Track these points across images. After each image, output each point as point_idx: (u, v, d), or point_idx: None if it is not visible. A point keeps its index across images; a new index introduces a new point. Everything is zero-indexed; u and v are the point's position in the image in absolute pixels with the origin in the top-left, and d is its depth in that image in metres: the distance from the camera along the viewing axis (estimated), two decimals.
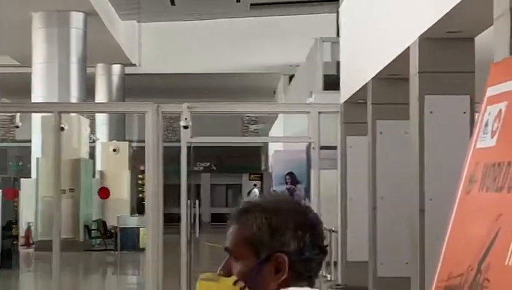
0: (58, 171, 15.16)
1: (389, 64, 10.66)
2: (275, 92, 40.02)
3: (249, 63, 34.60)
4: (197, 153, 16.05)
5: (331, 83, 27.84)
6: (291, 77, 35.59)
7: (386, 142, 11.72)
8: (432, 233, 8.72)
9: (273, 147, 30.83)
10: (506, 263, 5.20)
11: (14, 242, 20.77)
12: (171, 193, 15.25)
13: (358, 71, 12.98)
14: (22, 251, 22.34)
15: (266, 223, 2.26)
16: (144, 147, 37.18)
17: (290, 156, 26.29)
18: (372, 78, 11.71)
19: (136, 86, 35.81)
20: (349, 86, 13.93)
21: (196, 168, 34.23)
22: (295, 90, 32.73)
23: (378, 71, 11.26)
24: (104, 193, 28.26)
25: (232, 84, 38.37)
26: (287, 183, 26.45)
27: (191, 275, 14.64)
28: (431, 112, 8.91)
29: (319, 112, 14.99)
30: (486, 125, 6.42)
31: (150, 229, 14.79)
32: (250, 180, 40.98)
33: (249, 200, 2.36)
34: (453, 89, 8.96)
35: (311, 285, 2.28)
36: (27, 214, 24.51)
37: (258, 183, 41.35)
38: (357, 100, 13.79)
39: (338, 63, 28.80)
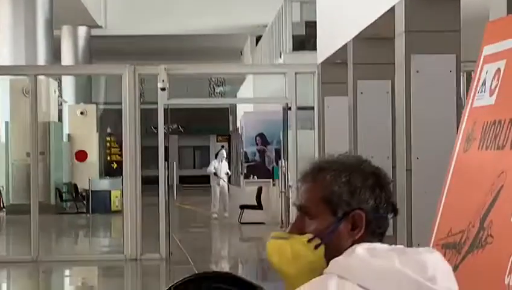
0: (35, 134, 15.05)
1: (371, 23, 10.67)
2: (241, 53, 39.91)
3: (215, 24, 34.41)
4: (169, 114, 16.01)
5: (300, 43, 27.91)
6: (258, 38, 35.50)
7: (367, 102, 11.75)
8: (419, 191, 8.82)
9: (242, 109, 30.81)
10: (511, 220, 5.29)
11: None
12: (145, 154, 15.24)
13: (337, 31, 12.95)
14: None
15: (345, 181, 2.28)
16: (111, 109, 37.10)
17: (260, 117, 26.32)
18: (353, 38, 11.72)
19: (102, 49, 35.54)
20: (326, 47, 13.92)
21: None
22: (263, 51, 32.70)
23: (360, 31, 11.26)
24: (81, 155, 28.17)
25: (198, 45, 38.18)
26: (257, 144, 26.50)
27: (170, 235, 14.76)
28: (417, 71, 8.93)
29: (296, 73, 15.05)
30: (483, 84, 6.47)
31: (128, 190, 14.78)
32: (217, 141, 41.02)
33: (321, 160, 2.38)
34: (439, 48, 8.99)
35: (381, 241, 2.31)
36: None
37: (226, 144, 41.42)
38: (334, 61, 13.82)
39: (307, 23, 28.90)
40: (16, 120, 24.74)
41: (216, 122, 39.50)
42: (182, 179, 39.77)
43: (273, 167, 25.21)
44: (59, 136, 26.00)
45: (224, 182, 24.00)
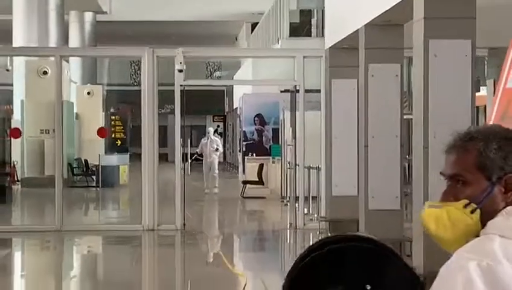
0: (60, 112, 14.97)
1: (385, 11, 10.67)
2: (236, 39, 39.84)
3: (211, 11, 34.37)
4: (164, 96, 15.99)
5: (295, 29, 27.96)
6: (253, 25, 35.46)
7: (377, 85, 11.74)
8: (435, 166, 8.84)
9: (238, 91, 30.79)
10: None
11: (8, 179, 20.66)
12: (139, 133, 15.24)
13: (348, 19, 12.94)
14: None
15: (497, 148, 2.28)
16: (115, 90, 37.05)
17: (259, 99, 26.34)
18: (365, 25, 11.71)
19: (107, 33, 35.43)
20: (335, 33, 13.90)
21: (163, 111, 34.05)
22: (260, 37, 32.65)
23: (372, 18, 11.27)
24: (103, 132, 28.16)
25: (195, 31, 38.10)
26: (255, 124, 26.53)
27: (185, 204, 14.81)
28: (435, 55, 8.94)
29: (304, 57, 15.05)
30: None
31: (146, 166, 14.77)
32: (213, 121, 41.06)
33: (467, 130, 2.38)
34: (456, 34, 8.99)
35: None
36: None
37: (221, 124, 41.45)
38: (342, 46, 13.82)
39: (301, 12, 28.93)
40: (31, 99, 24.65)
41: (212, 104, 39.50)
42: (183, 157, 39.68)
43: (270, 146, 25.27)
44: (71, 115, 25.92)
45: (213, 157, 23.89)
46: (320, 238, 2.75)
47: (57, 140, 15.14)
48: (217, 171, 23.68)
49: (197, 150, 24.44)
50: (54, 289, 10.55)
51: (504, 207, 2.27)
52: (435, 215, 2.31)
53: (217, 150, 24.07)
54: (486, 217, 2.26)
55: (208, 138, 24.26)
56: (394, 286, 2.56)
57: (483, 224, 2.26)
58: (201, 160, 24.67)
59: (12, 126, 22.39)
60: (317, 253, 2.67)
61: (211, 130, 25.57)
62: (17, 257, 13.43)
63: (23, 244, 13.98)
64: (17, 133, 21.48)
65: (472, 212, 2.26)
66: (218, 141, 24.69)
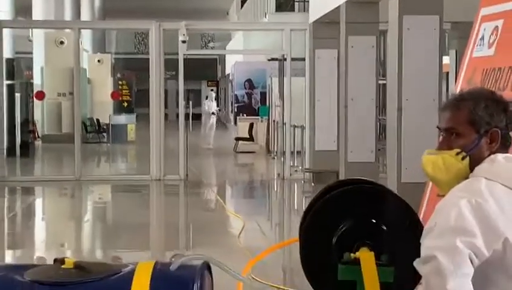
0: (78, 77, 14.97)
1: None
2: (227, 13, 39.62)
3: None
4: (165, 63, 16.00)
5: (280, 5, 27.88)
6: (242, 0, 35.28)
7: (355, 54, 11.83)
8: (408, 128, 8.97)
9: (231, 59, 30.75)
10: None
11: (31, 136, 20.67)
12: (147, 96, 15.27)
13: None
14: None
15: (485, 107, 2.41)
16: (121, 58, 36.59)
17: (249, 66, 26.38)
18: (345, 1, 11.78)
19: (112, 8, 35.15)
20: (319, 8, 13.94)
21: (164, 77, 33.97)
22: (248, 11, 32.54)
23: None
24: (115, 95, 28.20)
25: (188, 5, 37.73)
26: (245, 88, 26.58)
27: (187, 157, 14.92)
28: (408, 29, 9.04)
29: (291, 29, 15.08)
30: (481, 38, 6.58)
31: (153, 124, 14.83)
32: (207, 86, 40.94)
33: (460, 93, 2.50)
34: (426, 10, 9.09)
35: (507, 153, 2.45)
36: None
37: (214, 88, 41.36)
38: (324, 20, 13.87)
39: None
40: (49, 66, 24.56)
41: (206, 70, 39.36)
42: (178, 115, 39.66)
43: (258, 107, 25.33)
44: (84, 80, 25.83)
45: (213, 118, 24.09)
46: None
47: (76, 102, 15.13)
48: (214, 130, 23.90)
49: (207, 110, 24.46)
50: (74, 229, 10.65)
51: (489, 155, 2.40)
52: (432, 161, 2.44)
53: (213, 113, 24.22)
54: (474, 163, 2.39)
55: (210, 101, 24.43)
56: (394, 218, 2.71)
57: (472, 169, 2.39)
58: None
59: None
60: (329, 193, 2.81)
61: (213, 94, 25.68)
62: (42, 202, 13.53)
63: (46, 192, 14.06)
64: (41, 95, 21.45)
65: (463, 159, 2.39)
66: (214, 104, 24.89)
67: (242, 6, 35.02)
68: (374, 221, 2.68)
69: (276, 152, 17.95)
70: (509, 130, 2.45)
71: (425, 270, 2.20)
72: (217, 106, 38.60)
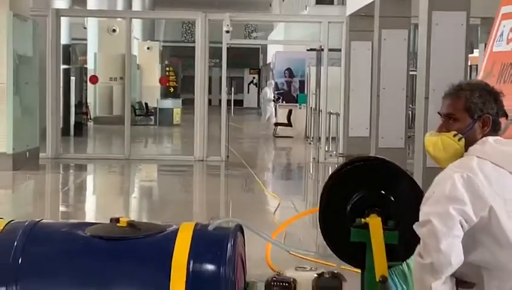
0: (129, 64, 15.33)
1: None
2: (270, 5, 39.79)
3: None
4: (209, 51, 16.26)
5: None
6: None
7: (388, 47, 12.04)
8: (433, 114, 9.16)
9: (272, 49, 30.97)
10: None
11: (84, 117, 21.20)
12: (192, 82, 15.59)
13: None
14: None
15: (479, 96, 2.69)
16: (169, 46, 36.78)
17: (289, 55, 26.58)
18: None
19: None
20: (355, 3, 14.14)
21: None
22: (290, 3, 32.71)
23: None
24: (164, 81, 28.67)
25: None
26: (285, 76, 26.79)
27: (229, 138, 15.28)
28: (437, 24, 9.21)
29: (329, 22, 15.30)
30: (501, 35, 6.80)
31: (198, 109, 15.18)
32: (250, 74, 41.27)
33: (458, 84, 2.78)
34: (453, 6, 9.26)
35: (497, 136, 2.72)
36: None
37: (256, 76, 41.63)
38: (360, 14, 14.07)
39: None
40: (102, 52, 25.08)
41: (249, 59, 39.60)
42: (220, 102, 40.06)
43: (297, 94, 25.53)
44: (134, 66, 26.33)
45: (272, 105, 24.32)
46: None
47: (127, 86, 15.54)
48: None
49: (269, 97, 24.64)
50: (123, 202, 11.04)
51: (481, 138, 2.69)
52: (433, 142, 2.73)
53: (273, 100, 24.43)
54: (468, 144, 2.68)
55: (269, 88, 24.60)
56: (400, 190, 3.00)
57: (466, 149, 2.68)
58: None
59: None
60: (346, 168, 3.12)
61: (272, 82, 25.78)
62: (94, 178, 13.96)
63: (98, 169, 14.46)
64: (95, 79, 22.01)
65: (459, 140, 2.68)
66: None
67: None
68: (382, 192, 2.98)
69: (313, 137, 18.21)
70: (499, 116, 2.73)
71: (423, 232, 2.50)
72: (258, 92, 38.80)
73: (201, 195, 12.06)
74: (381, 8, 12.03)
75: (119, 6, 27.11)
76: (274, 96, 24.40)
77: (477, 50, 16.88)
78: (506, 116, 2.79)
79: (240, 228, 3.14)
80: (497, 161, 2.57)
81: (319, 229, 3.05)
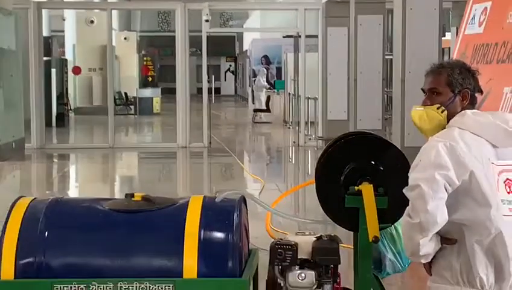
0: (111, 53, 15.46)
1: None
2: None
3: None
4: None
5: None
6: None
7: (364, 32, 12.37)
8: (410, 96, 9.49)
9: (249, 36, 31.19)
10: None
11: (65, 108, 21.33)
12: (169, 71, 15.84)
13: None
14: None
15: (458, 72, 2.99)
16: (145, 36, 36.58)
17: (265, 43, 26.86)
18: None
19: None
20: None
21: None
22: None
23: None
24: (146, 70, 28.76)
25: None
26: (262, 63, 27.06)
27: (211, 125, 15.55)
28: (411, 9, 9.53)
29: (305, 9, 15.59)
30: (473, 18, 7.14)
31: (179, 97, 15.41)
32: (226, 61, 41.48)
33: (440, 62, 3.08)
34: None
35: (474, 109, 3.03)
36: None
37: (233, 64, 41.80)
38: (336, 0, 14.37)
39: None
40: (81, 43, 25.18)
41: (225, 47, 39.72)
42: (199, 90, 40.22)
43: (274, 81, 25.82)
44: (113, 55, 26.41)
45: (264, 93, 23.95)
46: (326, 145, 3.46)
47: (109, 76, 15.74)
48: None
49: (264, 84, 24.07)
50: (115, 189, 11.27)
51: (460, 110, 2.99)
52: (419, 114, 3.03)
53: (268, 88, 23.87)
54: (450, 116, 2.99)
55: (262, 76, 24.20)
56: (388, 161, 3.31)
57: (448, 120, 2.99)
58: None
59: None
60: (339, 142, 3.42)
61: (264, 70, 25.30)
62: (83, 166, 14.14)
63: (85, 157, 14.64)
64: (77, 70, 22.15)
65: (442, 112, 2.99)
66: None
67: None
68: (373, 162, 3.29)
69: (292, 122, 18.53)
70: (476, 92, 3.04)
71: (412, 195, 2.80)
72: (235, 79, 38.90)
73: (188, 179, 12.33)
74: None
75: None
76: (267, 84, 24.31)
77: (449, 33, 17.26)
78: (481, 92, 3.10)
79: (243, 200, 3.43)
80: (475, 131, 2.88)
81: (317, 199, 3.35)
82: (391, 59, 13.31)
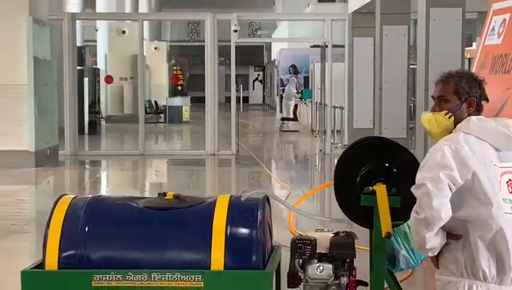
0: (142, 63, 15.82)
1: None
2: (274, 3, 40.27)
3: None
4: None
5: None
6: None
7: (389, 42, 12.60)
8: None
9: (277, 46, 31.48)
10: None
11: (97, 116, 21.77)
12: (198, 80, 16.15)
13: None
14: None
15: (466, 81, 3.25)
16: (175, 45, 37.08)
17: (293, 52, 27.14)
18: None
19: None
20: (356, 1, 14.71)
21: None
22: (293, 2, 33.18)
23: None
24: (175, 79, 29.16)
25: None
26: (290, 72, 27.33)
27: (239, 133, 15.86)
28: (434, 20, 9.77)
29: (332, 20, 15.84)
30: (493, 29, 7.36)
31: (208, 106, 15.72)
32: (254, 71, 41.83)
33: (449, 71, 3.34)
34: (450, 3, 9.81)
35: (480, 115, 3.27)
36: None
37: (261, 73, 42.12)
38: (362, 11, 14.62)
39: None
40: (112, 53, 25.65)
41: (253, 56, 40.07)
42: (227, 99, 40.61)
43: (302, 90, 26.05)
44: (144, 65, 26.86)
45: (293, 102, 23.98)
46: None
47: (140, 85, 16.11)
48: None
49: (295, 92, 24.24)
50: (147, 193, 11.57)
51: (467, 116, 3.25)
52: (428, 119, 3.29)
53: (298, 98, 24.02)
54: (456, 122, 3.25)
55: (292, 84, 24.34)
56: (401, 163, 3.58)
57: (455, 125, 3.24)
58: None
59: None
60: (355, 146, 3.69)
61: (295, 79, 25.44)
62: (116, 172, 14.47)
63: (117, 164, 14.98)
64: (110, 79, 22.61)
65: (449, 117, 3.24)
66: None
67: None
68: (386, 165, 3.56)
69: (318, 130, 18.78)
70: (482, 99, 3.29)
71: (418, 193, 3.06)
72: (263, 88, 39.12)
73: (216, 185, 12.63)
74: (382, 5, 12.59)
75: (127, 7, 27.68)
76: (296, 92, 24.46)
77: (475, 43, 17.44)
78: (487, 100, 3.35)
79: (267, 199, 3.71)
80: (479, 135, 3.13)
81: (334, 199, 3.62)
82: (415, 68, 13.55)
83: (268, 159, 16.15)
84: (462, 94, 3.24)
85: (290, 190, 10.62)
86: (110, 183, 12.79)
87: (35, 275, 3.48)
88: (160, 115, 26.70)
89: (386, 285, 3.61)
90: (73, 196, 3.71)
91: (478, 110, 3.27)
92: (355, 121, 14.93)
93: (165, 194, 3.68)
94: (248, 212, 3.55)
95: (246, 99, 39.00)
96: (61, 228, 3.51)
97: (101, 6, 26.61)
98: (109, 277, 3.40)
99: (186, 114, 25.84)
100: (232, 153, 15.53)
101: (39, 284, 3.47)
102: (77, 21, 17.40)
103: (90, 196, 3.74)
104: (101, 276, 3.41)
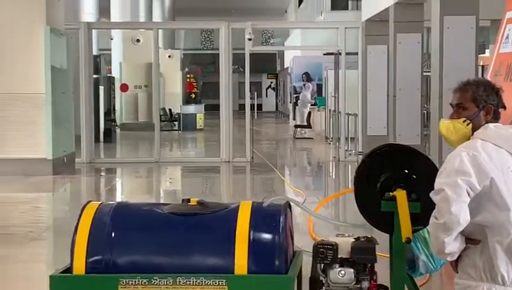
0: (157, 71, 15.94)
1: None
2: (286, 11, 40.44)
3: None
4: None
5: (335, 4, 28.54)
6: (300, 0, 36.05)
7: (403, 49, 12.65)
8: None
9: (289, 54, 31.58)
10: None
11: (113, 123, 21.91)
12: (212, 88, 16.24)
13: None
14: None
15: (483, 90, 3.32)
16: (189, 54, 37.26)
17: (306, 60, 27.19)
18: (394, 3, 12.61)
19: (179, 7, 36.24)
20: (370, 8, 14.77)
21: None
22: (305, 9, 33.31)
23: None
24: (189, 87, 29.32)
25: (247, 4, 38.49)
26: (303, 80, 27.38)
27: (253, 140, 15.95)
28: (448, 28, 9.83)
29: (345, 28, 15.92)
30: (507, 37, 7.42)
31: (223, 113, 15.82)
32: (268, 78, 41.94)
33: (467, 80, 3.41)
34: (463, 11, 9.86)
35: (497, 123, 3.34)
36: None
37: (274, 80, 42.21)
38: (375, 19, 14.69)
39: None
40: (127, 61, 25.82)
41: (266, 64, 40.22)
42: (240, 106, 40.76)
43: (315, 97, 26.10)
44: (158, 73, 27.00)
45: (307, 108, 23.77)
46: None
47: (154, 93, 16.23)
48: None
49: (310, 100, 24.29)
50: (169, 194, 11.67)
51: (484, 124, 3.32)
52: (446, 126, 3.36)
53: (312, 104, 23.84)
54: (474, 129, 3.32)
55: (307, 90, 24.22)
56: (420, 169, 3.65)
57: (473, 133, 3.32)
58: None
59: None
60: (374, 153, 3.77)
61: (310, 85, 25.34)
62: (132, 179, 14.56)
63: (133, 171, 15.07)
64: (125, 87, 22.77)
65: (467, 125, 3.31)
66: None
67: (299, 4, 35.80)
68: (406, 171, 3.63)
69: (332, 138, 18.84)
70: (499, 107, 3.37)
71: (437, 198, 3.13)
72: (276, 95, 39.21)
73: (231, 192, 12.72)
74: (395, 13, 12.66)
75: (142, 16, 27.86)
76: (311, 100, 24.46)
77: (488, 50, 17.46)
78: (505, 107, 3.42)
79: (289, 205, 3.79)
80: (497, 142, 3.20)
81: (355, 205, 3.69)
82: (430, 76, 13.60)
83: (282, 166, 16.22)
84: (480, 102, 3.31)
85: (305, 196, 10.69)
86: (125, 191, 12.89)
87: (63, 280, 3.57)
88: (174, 122, 26.84)
89: (406, 289, 3.68)
90: (100, 202, 3.80)
91: (495, 118, 3.34)
92: (369, 128, 14.98)
93: (188, 200, 3.76)
94: (271, 217, 3.63)
95: (259, 106, 39.10)
96: (88, 234, 3.60)
97: (115, 16, 26.81)
98: (135, 281, 3.48)
99: (200, 121, 25.97)
100: (246, 160, 15.61)
101: (67, 288, 3.56)
102: (93, 30, 17.58)
103: (116, 202, 3.83)
104: (127, 280, 3.49)
